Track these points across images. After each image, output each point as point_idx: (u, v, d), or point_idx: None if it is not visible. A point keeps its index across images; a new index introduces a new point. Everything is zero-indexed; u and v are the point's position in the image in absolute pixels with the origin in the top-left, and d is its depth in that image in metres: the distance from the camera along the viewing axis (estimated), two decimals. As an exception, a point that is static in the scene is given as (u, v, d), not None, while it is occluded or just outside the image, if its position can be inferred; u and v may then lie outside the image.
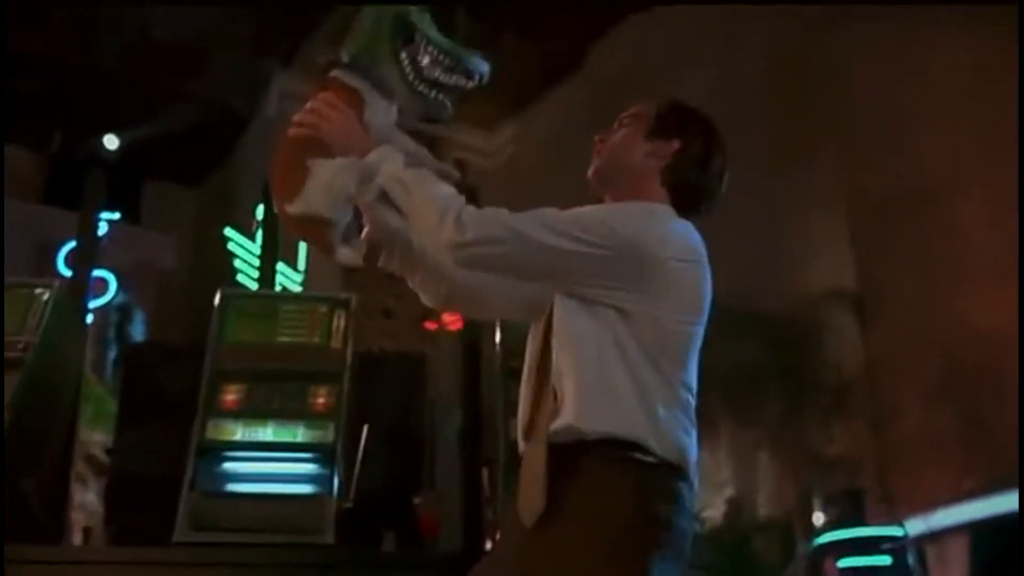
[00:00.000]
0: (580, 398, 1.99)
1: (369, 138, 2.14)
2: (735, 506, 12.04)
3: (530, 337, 2.21)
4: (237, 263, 11.27)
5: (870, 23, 12.13)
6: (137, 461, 3.73)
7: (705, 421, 2.19)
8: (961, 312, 11.55)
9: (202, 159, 17.23)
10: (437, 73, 2.27)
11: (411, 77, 2.24)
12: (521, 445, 2.16)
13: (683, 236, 2.12)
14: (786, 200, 12.93)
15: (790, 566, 6.35)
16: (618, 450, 1.96)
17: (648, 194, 2.20)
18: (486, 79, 2.29)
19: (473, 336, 4.00)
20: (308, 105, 2.21)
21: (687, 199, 2.23)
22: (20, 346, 3.36)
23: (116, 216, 11.56)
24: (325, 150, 2.14)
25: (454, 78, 2.28)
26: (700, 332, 2.13)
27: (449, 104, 2.33)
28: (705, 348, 2.18)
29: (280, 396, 3.48)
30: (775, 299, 11.83)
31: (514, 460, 2.54)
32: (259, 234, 8.00)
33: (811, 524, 11.98)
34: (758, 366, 11.69)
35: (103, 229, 7.62)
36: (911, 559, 6.01)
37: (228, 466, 3.42)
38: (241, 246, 11.36)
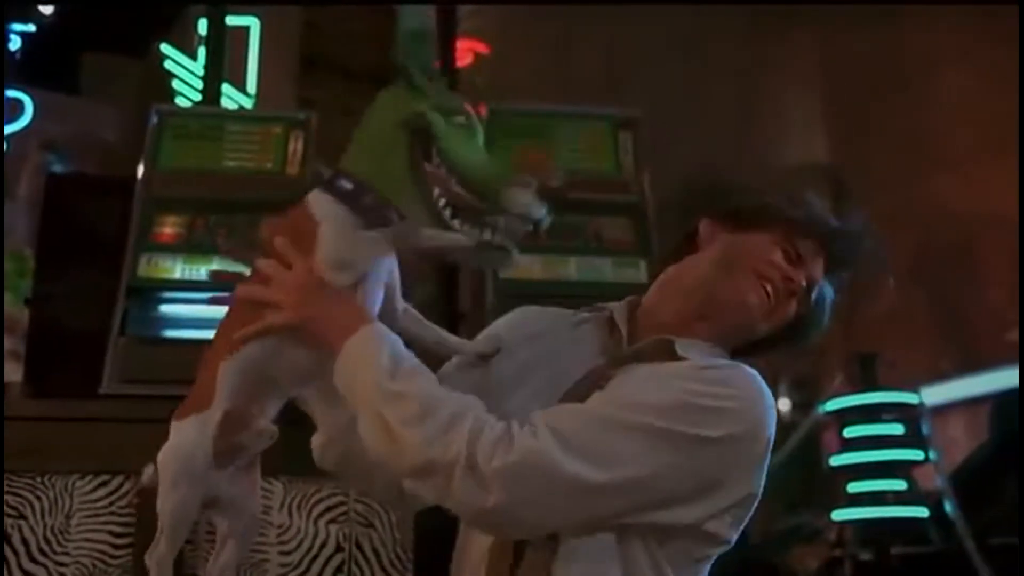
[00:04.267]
0: None
1: (356, 311, 1.41)
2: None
3: None
4: (176, 85, 9.54)
5: None
6: (61, 308, 3.22)
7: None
8: (938, 191, 11.25)
9: (145, 29, 16.45)
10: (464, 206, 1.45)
11: (440, 206, 1.42)
12: None
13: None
14: (760, 71, 12.49)
15: (792, 436, 5.99)
16: None
17: None
18: (544, 225, 1.41)
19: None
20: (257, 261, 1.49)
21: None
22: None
23: (31, 28, 9.68)
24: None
25: (490, 217, 1.44)
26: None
27: (509, 248, 1.44)
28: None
29: (226, 229, 2.98)
30: (745, 173, 11.39)
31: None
32: (201, 51, 6.77)
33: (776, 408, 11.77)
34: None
35: (15, 43, 6.59)
36: (925, 429, 5.63)
37: (165, 309, 2.94)
38: (180, 64, 9.55)
